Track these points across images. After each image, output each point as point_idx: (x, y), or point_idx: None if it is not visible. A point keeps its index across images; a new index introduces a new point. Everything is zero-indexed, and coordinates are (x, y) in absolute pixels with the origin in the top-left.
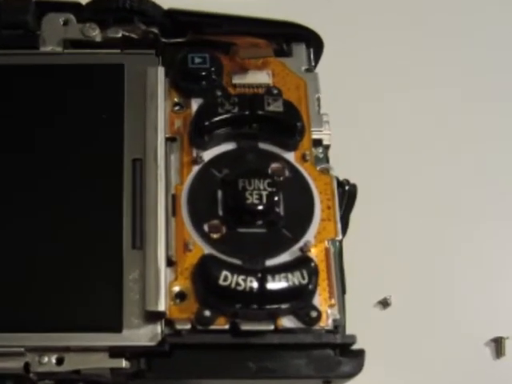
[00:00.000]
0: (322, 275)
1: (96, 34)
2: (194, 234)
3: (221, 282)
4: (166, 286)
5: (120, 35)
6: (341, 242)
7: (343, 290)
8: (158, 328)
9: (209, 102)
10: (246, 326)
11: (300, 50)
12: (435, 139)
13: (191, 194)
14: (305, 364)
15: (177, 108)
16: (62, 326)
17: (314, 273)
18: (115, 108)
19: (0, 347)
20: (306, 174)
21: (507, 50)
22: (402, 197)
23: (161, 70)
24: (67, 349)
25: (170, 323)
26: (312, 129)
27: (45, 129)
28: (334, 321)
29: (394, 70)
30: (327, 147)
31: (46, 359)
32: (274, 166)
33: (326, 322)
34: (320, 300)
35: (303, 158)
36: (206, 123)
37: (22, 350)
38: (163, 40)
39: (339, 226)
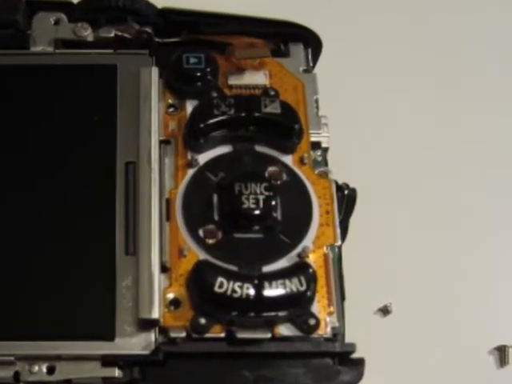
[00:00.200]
0: (321, 282)
1: (88, 33)
2: (188, 239)
3: (216, 288)
4: (159, 293)
5: (113, 35)
6: (340, 247)
7: (342, 297)
8: (152, 336)
9: (204, 103)
10: (242, 334)
11: (298, 50)
12: (436, 140)
13: (186, 198)
14: (303, 373)
15: (171, 110)
16: (53, 334)
17: (312, 279)
18: (108, 110)
19: None
20: (304, 178)
21: (507, 50)
22: (403, 201)
23: (155, 71)
24: (58, 357)
25: (164, 331)
26: (310, 131)
27: (35, 132)
28: (333, 329)
29: (393, 70)
30: (326, 150)
31: (36, 368)
32: (271, 169)
33: (325, 330)
34: (318, 307)
35: (301, 162)
36: (201, 125)
37: (12, 358)
38: (157, 40)
39: (338, 231)
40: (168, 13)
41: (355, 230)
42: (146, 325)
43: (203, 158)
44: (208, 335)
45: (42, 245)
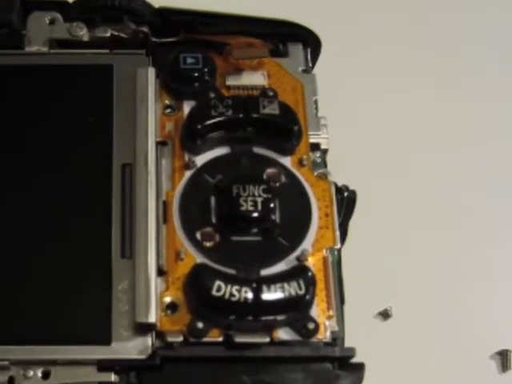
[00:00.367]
0: (320, 285)
1: (83, 33)
2: (186, 242)
3: (214, 292)
4: (156, 297)
5: (109, 35)
6: (339, 250)
7: (342, 301)
8: (149, 340)
9: (201, 104)
10: (240, 339)
11: (297, 50)
12: (436, 140)
13: (183, 200)
14: (302, 378)
15: (168, 111)
16: (49, 338)
17: (311, 283)
18: (104, 111)
19: None
20: (302, 180)
21: (507, 50)
22: (403, 203)
23: (151, 71)
24: (54, 362)
25: (160, 335)
26: (309, 132)
27: (30, 134)
28: (333, 333)
29: (393, 70)
30: (325, 151)
31: (31, 373)
32: (270, 171)
33: (324, 334)
34: (318, 311)
35: (300, 163)
36: (199, 126)
37: (7, 363)
38: (154, 40)
39: (338, 233)
40: (165, 12)
41: (355, 232)
42: (143, 329)
43: (200, 159)
44: (205, 339)
45: (37, 248)
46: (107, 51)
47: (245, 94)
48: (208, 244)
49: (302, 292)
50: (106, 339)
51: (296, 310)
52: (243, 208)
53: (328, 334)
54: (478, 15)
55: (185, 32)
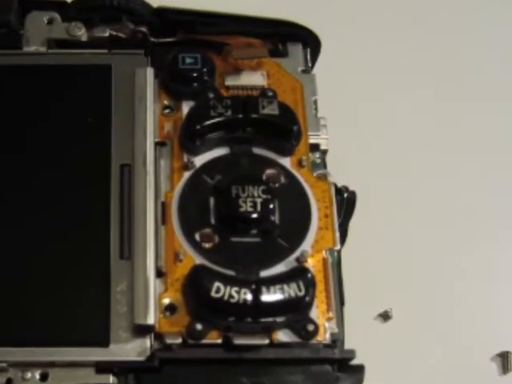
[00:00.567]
0: (320, 287)
1: (82, 33)
2: (184, 243)
3: (213, 293)
4: (155, 298)
5: (107, 34)
6: (339, 251)
7: (342, 302)
8: (147, 342)
9: (200, 104)
10: (239, 340)
11: (296, 50)
12: (436, 140)
13: (182, 201)
14: (302, 380)
15: (167, 111)
16: (47, 340)
17: (310, 284)
18: (102, 111)
19: None
20: (302, 181)
21: (507, 50)
22: (403, 203)
23: (150, 71)
24: (52, 364)
25: (159, 337)
26: (309, 133)
27: (28, 134)
28: (332, 335)
29: (393, 70)
30: (325, 152)
31: (29, 375)
32: (269, 171)
33: (324, 336)
34: (317, 313)
35: (299, 164)
36: (198, 127)
37: (5, 365)
38: (152, 39)
39: (337, 235)
40: (164, 12)
41: (355, 233)
42: (142, 331)
43: (199, 160)
44: (204, 341)
45: (35, 249)
46: (106, 51)
47: (244, 95)
48: (207, 245)
49: (301, 293)
50: (104, 341)
51: (295, 312)
52: (242, 209)
53: (328, 335)
54: (478, 15)
55: (184, 32)
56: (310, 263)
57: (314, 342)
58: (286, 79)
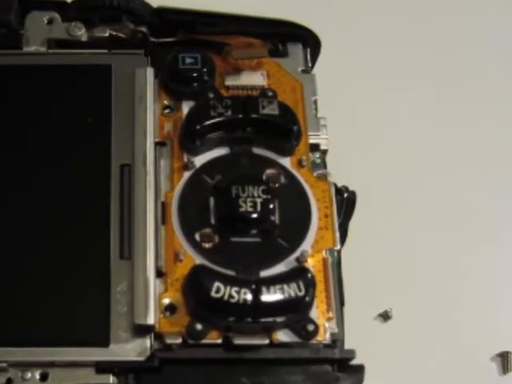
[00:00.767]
0: (320, 287)
1: (82, 33)
2: (184, 243)
3: (213, 293)
4: (155, 298)
5: (107, 34)
6: (339, 251)
7: (342, 303)
8: (147, 342)
9: (200, 104)
10: (239, 340)
11: (296, 50)
12: (436, 141)
13: (182, 201)
14: (302, 380)
15: (167, 111)
16: (47, 340)
17: (310, 284)
18: (102, 111)
19: None
20: (302, 181)
21: (507, 50)
22: (403, 203)
23: (150, 71)
24: (52, 364)
25: (159, 337)
26: (309, 133)
27: (28, 134)
28: (332, 335)
29: (393, 70)
30: (325, 152)
31: (29, 375)
32: (269, 171)
33: (324, 336)
34: (317, 313)
35: (299, 164)
36: (198, 127)
37: (5, 365)
38: (152, 39)
39: (337, 235)
40: (164, 12)
41: (355, 233)
42: (142, 331)
43: (199, 160)
44: (204, 341)
45: (35, 249)
46: (106, 51)
47: (244, 95)
48: (207, 245)
49: (301, 293)
50: (104, 341)
51: (295, 312)
52: (242, 209)
53: (328, 335)
54: (478, 15)
55: (184, 32)
56: (310, 263)
57: (314, 341)
58: (286, 79)
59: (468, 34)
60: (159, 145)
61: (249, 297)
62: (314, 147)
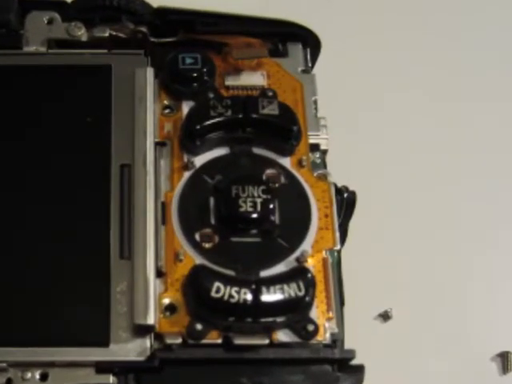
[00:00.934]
0: (320, 287)
1: (82, 33)
2: (184, 243)
3: (213, 293)
4: (155, 298)
5: (107, 35)
6: (339, 251)
7: (342, 303)
8: (147, 342)
9: (200, 104)
10: (239, 340)
11: (296, 50)
12: (436, 141)
13: (182, 201)
14: (302, 380)
15: (167, 111)
16: (47, 340)
17: (310, 284)
18: (102, 111)
19: None
20: (302, 181)
21: (507, 50)
22: (403, 203)
23: (150, 71)
24: (52, 364)
25: (159, 337)
26: (309, 133)
27: (27, 134)
28: (332, 335)
29: (393, 70)
30: (325, 152)
31: (29, 375)
32: (269, 171)
33: (324, 336)
34: (317, 313)
35: (299, 164)
36: (198, 127)
37: (5, 365)
38: (152, 39)
39: (337, 235)
40: (164, 12)
41: (355, 233)
42: (142, 331)
43: (199, 160)
44: (204, 341)
45: (35, 249)
46: (106, 51)
47: (244, 95)
48: (207, 245)
49: (301, 293)
50: (104, 341)
51: (295, 312)
52: (242, 209)
53: (328, 335)
54: (478, 15)
55: (184, 32)
56: (310, 263)
57: (313, 342)
58: (285, 79)
59: (468, 34)
60: (159, 145)
61: (249, 297)
62: (314, 147)
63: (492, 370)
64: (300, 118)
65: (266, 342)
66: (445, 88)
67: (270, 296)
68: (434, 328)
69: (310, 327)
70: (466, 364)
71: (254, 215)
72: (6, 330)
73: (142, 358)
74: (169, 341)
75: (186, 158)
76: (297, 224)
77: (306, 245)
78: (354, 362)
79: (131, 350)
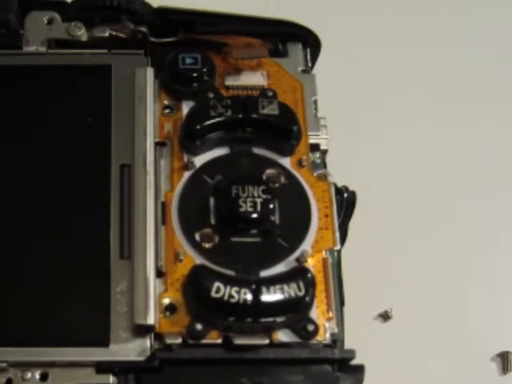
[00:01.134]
0: (320, 287)
1: (82, 33)
2: (184, 243)
3: (213, 293)
4: (155, 298)
5: (107, 35)
6: (339, 251)
7: (342, 303)
8: (147, 342)
9: (200, 104)
10: (239, 340)
11: (296, 50)
12: (436, 141)
13: (182, 201)
14: (302, 380)
15: (167, 111)
16: (47, 340)
17: (310, 284)
18: (102, 111)
19: None
20: (302, 181)
21: (507, 50)
22: (403, 203)
23: (150, 71)
24: (52, 364)
25: (159, 337)
26: (309, 133)
27: (27, 134)
28: (332, 335)
29: (393, 70)
30: (325, 152)
31: (29, 375)
32: (269, 171)
33: (324, 336)
34: (317, 313)
35: (299, 164)
36: (198, 127)
37: (5, 365)
38: (152, 39)
39: (337, 235)
40: (164, 12)
41: (355, 233)
42: (142, 331)
43: (199, 160)
44: (204, 341)
45: (35, 249)
46: (106, 51)
47: (244, 95)
48: (207, 245)
49: (301, 293)
50: (104, 341)
51: (295, 312)
52: (242, 209)
53: (328, 335)
54: (478, 15)
55: (184, 32)
56: (310, 263)
57: (313, 341)
58: (285, 79)
59: (468, 34)
60: (159, 145)
61: (249, 297)
62: (314, 147)
63: (492, 370)
64: (300, 118)
65: (266, 341)
66: (445, 88)
67: (270, 296)
68: (434, 328)
69: (310, 327)
70: (465, 364)
71: (254, 215)
72: (5, 329)
73: (142, 358)
74: (169, 341)
75: (185, 158)
76: (297, 224)
77: (306, 245)
78: (354, 361)
79: (131, 349)
